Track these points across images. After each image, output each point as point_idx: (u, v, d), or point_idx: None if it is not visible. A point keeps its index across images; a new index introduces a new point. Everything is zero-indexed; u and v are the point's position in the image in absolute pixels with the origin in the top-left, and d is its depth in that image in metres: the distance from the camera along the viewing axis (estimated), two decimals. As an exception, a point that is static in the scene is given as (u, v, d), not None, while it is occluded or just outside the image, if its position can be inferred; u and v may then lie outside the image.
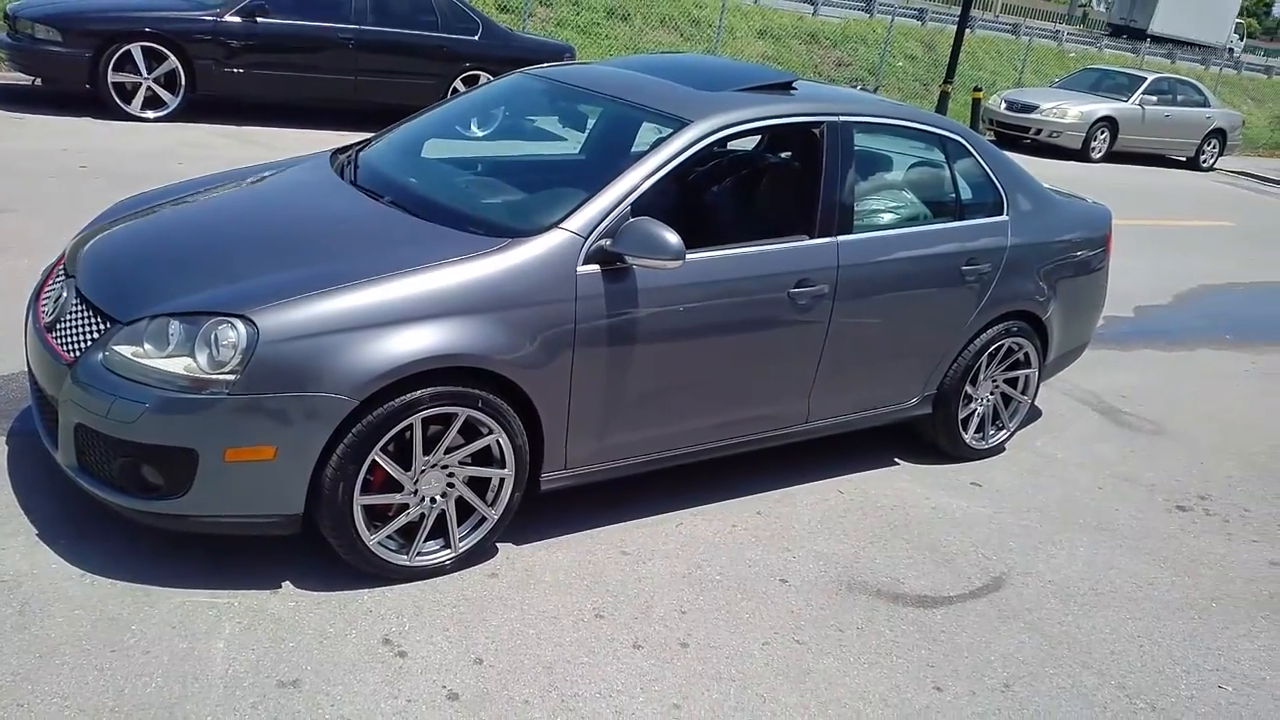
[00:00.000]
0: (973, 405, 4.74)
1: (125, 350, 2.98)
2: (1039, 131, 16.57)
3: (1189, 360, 7.05)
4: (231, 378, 2.89)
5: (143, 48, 9.06)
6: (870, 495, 4.33)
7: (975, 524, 4.22)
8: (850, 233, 4.00)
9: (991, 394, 4.82)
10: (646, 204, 3.54)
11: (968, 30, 27.42)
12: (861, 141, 4.26)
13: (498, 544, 3.55)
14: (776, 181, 4.35)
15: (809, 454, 4.54)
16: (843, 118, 4.02)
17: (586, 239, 3.35)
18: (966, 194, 4.52)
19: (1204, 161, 18.72)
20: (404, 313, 3.05)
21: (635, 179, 3.48)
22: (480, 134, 4.42)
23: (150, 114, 9.28)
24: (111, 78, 9.03)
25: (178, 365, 2.92)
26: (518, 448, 3.33)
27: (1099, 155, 16.90)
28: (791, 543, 3.86)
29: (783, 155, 4.72)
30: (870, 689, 3.09)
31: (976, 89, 16.12)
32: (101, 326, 3.11)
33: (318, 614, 3.06)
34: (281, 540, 3.30)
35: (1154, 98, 17.53)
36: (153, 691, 2.68)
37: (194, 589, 3.10)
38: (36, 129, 8.42)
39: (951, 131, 4.46)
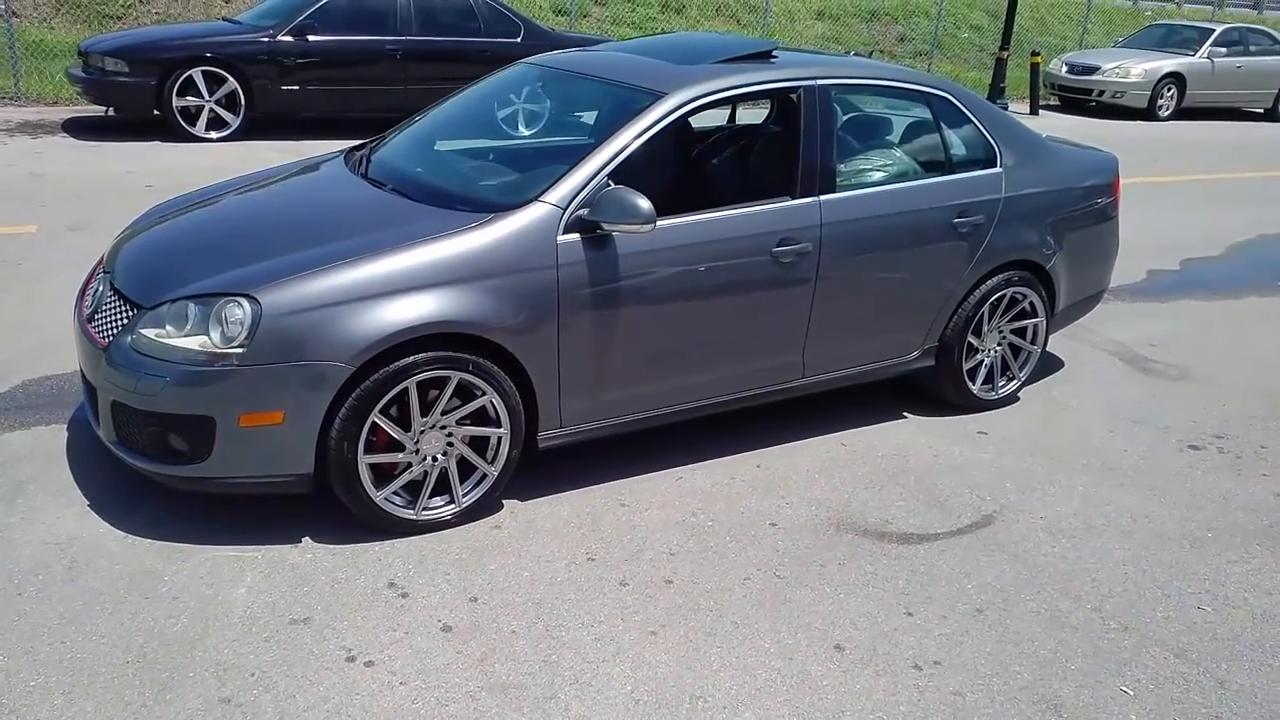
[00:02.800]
0: (979, 356, 4.85)
1: (149, 333, 3.32)
2: (1102, 93, 16.29)
3: (1232, 309, 6.99)
4: (240, 351, 3.20)
5: (203, 72, 9.61)
6: (873, 446, 4.48)
7: (974, 468, 4.34)
8: (833, 191, 4.16)
9: (999, 345, 4.92)
10: (629, 175, 3.77)
11: (1033, -4, 26.93)
12: (845, 103, 4.43)
13: (503, 500, 3.81)
14: (758, 147, 4.54)
15: (815, 410, 4.72)
16: (820, 81, 4.18)
17: (565, 209, 3.59)
18: (956, 149, 4.63)
19: (1283, 111, 18.15)
20: (393, 285, 3.33)
21: (611, 151, 3.70)
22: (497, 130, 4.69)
23: (214, 134, 9.83)
24: (176, 102, 9.61)
25: (194, 342, 3.25)
26: (511, 408, 3.58)
27: (1167, 113, 16.54)
28: (787, 491, 4.04)
29: (763, 121, 4.90)
30: (842, 615, 3.27)
31: (1034, 53, 15.87)
32: (130, 314, 3.45)
33: (331, 563, 3.36)
34: (303, 502, 3.62)
35: (1224, 50, 17.05)
36: (180, 630, 3.00)
37: (223, 545, 3.43)
38: (108, 155, 8.99)
39: (938, 89, 4.58)
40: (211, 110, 9.77)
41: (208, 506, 3.60)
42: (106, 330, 3.49)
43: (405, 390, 3.40)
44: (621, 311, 3.71)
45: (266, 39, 9.82)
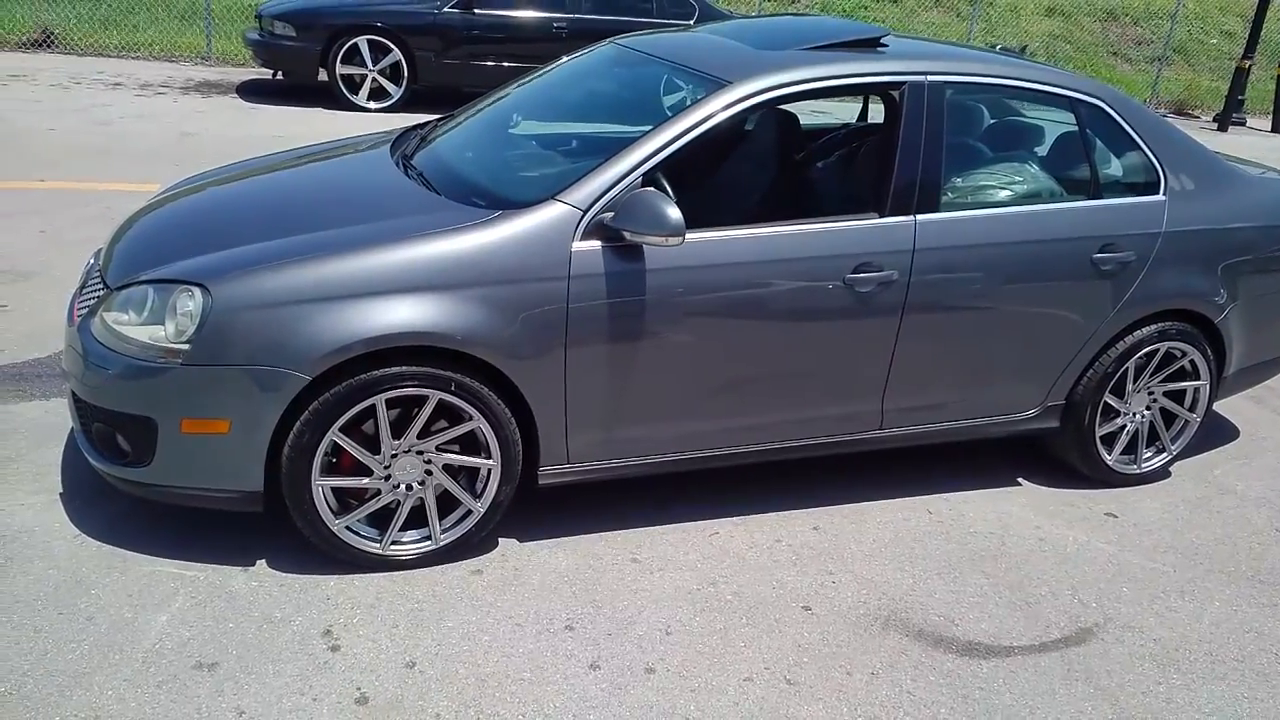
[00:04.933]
0: (1119, 420, 3.99)
1: (111, 317, 2.99)
2: (1362, 112, 14.26)
3: None
4: (186, 347, 2.82)
5: (369, 41, 9.53)
6: (966, 518, 3.73)
7: (1086, 562, 3.53)
8: (935, 211, 3.44)
9: (1148, 409, 4.04)
10: (688, 176, 3.21)
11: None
12: (964, 107, 3.70)
13: (499, 538, 3.32)
14: (847, 153, 3.84)
15: (903, 466, 4.00)
16: (931, 77, 3.45)
17: (586, 212, 3.05)
18: (1107, 169, 3.79)
19: None
20: (367, 286, 2.87)
21: (650, 149, 3.12)
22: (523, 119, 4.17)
23: (374, 105, 9.76)
24: (340, 70, 9.57)
25: (145, 333, 2.90)
26: (504, 438, 3.07)
27: None
28: (839, 565, 3.37)
29: (855, 122, 4.17)
30: (850, 747, 2.60)
31: (1282, 64, 14.08)
32: (100, 294, 3.14)
33: (274, 596, 2.95)
34: (272, 518, 3.22)
35: None
36: (74, 659, 2.65)
37: (170, 559, 3.08)
38: (265, 118, 9.03)
39: (1090, 94, 3.74)
40: (374, 80, 9.69)
41: (173, 512, 3.26)
42: (84, 309, 3.20)
43: (376, 407, 2.94)
44: (647, 335, 3.13)
45: (433, 10, 9.65)
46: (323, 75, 9.64)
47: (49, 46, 11.19)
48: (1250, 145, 12.70)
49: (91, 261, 3.47)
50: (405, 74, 9.74)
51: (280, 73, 10.05)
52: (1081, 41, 20.26)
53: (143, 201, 3.88)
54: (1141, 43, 20.92)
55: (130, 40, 11.62)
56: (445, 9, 9.67)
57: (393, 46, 9.63)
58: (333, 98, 9.73)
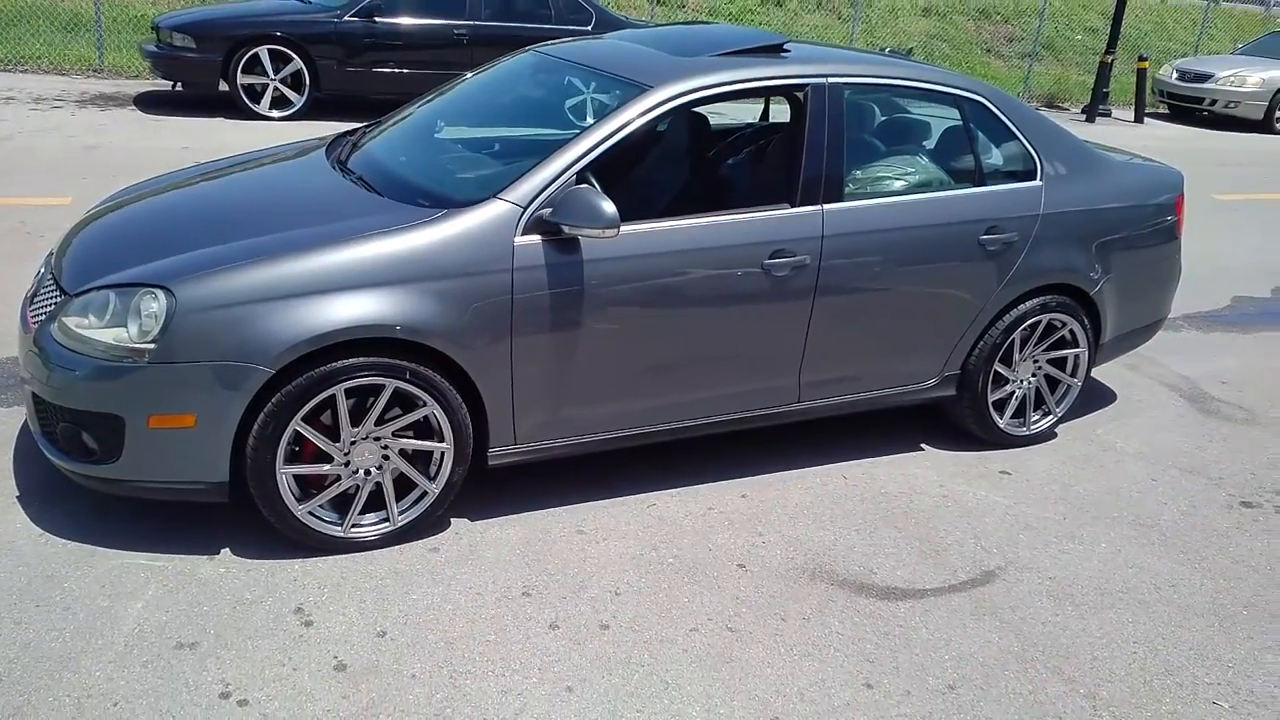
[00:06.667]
0: (1008, 387, 4.39)
1: (71, 321, 3.12)
2: (1214, 102, 15.29)
3: (1325, 345, 6.31)
4: (152, 346, 2.97)
5: (269, 50, 9.55)
6: (877, 481, 4.07)
7: (986, 514, 3.90)
8: (840, 200, 3.77)
9: (1033, 375, 4.44)
10: (615, 174, 3.45)
11: (1158, -1, 25.68)
12: (861, 105, 4.03)
13: (451, 518, 3.53)
14: (757, 149, 4.16)
15: (821, 435, 4.33)
16: (831, 79, 3.78)
17: (525, 209, 3.28)
18: (989, 158, 4.18)
19: None
20: (323, 283, 3.06)
21: (582, 148, 3.38)
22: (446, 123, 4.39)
23: (276, 114, 9.77)
24: (241, 80, 9.57)
25: (110, 335, 3.04)
26: (455, 421, 3.29)
27: (1287, 127, 15.45)
28: (766, 528, 3.67)
29: (765, 122, 4.51)
30: (790, 682, 2.89)
31: (1141, 58, 14.96)
32: (58, 299, 3.26)
33: (243, 580, 3.12)
34: (236, 510, 3.37)
35: (1357, 61, 15.86)
36: (58, 646, 2.78)
37: (137, 552, 3.21)
38: (170, 130, 8.99)
39: (971, 91, 4.13)
40: (276, 89, 9.71)
41: (133, 508, 3.40)
42: (39, 315, 3.31)
43: (336, 397, 3.13)
44: (585, 323, 3.38)
45: (334, 19, 9.71)
46: (224, 86, 9.63)
47: (-70, 61, 10.90)
48: (1116, 134, 13.53)
49: (42, 270, 3.57)
50: (307, 82, 9.78)
51: (180, 84, 9.98)
52: (957, 40, 21.12)
53: (58, 216, 3.96)
54: (1013, 39, 21.91)
55: (16, 53, 11.36)
56: (346, 18, 9.74)
57: (294, 56, 9.66)
58: (235, 107, 9.72)
